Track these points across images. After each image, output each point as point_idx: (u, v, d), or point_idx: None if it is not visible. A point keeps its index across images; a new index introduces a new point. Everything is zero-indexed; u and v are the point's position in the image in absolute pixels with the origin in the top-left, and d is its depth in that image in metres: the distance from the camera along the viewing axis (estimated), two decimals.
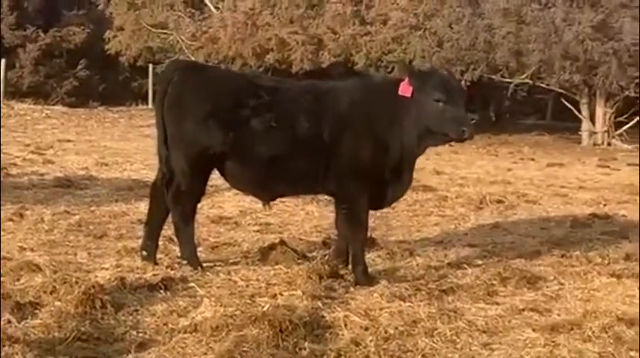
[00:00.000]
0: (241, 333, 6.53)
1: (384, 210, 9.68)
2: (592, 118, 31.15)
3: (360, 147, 8.34)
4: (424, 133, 8.35)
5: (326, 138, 8.36)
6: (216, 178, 15.33)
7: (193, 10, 36.55)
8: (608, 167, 22.21)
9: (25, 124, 28.23)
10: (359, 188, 8.42)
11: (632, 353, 6.57)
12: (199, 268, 8.58)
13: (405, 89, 8.30)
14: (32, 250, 9.23)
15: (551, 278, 8.78)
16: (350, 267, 8.59)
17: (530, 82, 30.94)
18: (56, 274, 7.75)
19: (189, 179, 8.55)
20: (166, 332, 6.74)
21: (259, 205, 12.67)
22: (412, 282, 8.31)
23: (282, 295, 7.69)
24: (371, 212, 8.76)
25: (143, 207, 12.19)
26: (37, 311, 7.02)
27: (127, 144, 22.76)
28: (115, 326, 6.85)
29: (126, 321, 6.99)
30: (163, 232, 10.24)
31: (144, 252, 8.84)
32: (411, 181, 8.74)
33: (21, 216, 11.11)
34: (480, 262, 9.54)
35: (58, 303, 7.13)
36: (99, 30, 37.91)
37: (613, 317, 7.20)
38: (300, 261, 8.91)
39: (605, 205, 14.17)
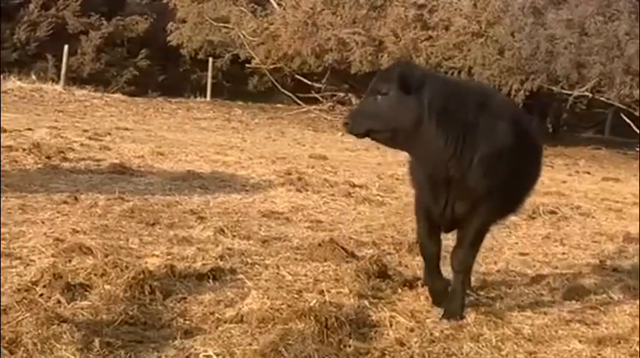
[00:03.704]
0: (287, 326, 6.56)
1: None
2: None
3: None
4: None
5: None
6: (268, 173, 15.50)
7: (256, 6, 36.66)
8: None
9: (84, 110, 28.49)
10: None
11: None
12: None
13: None
14: (85, 233, 9.33)
15: (601, 291, 8.72)
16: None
17: (590, 95, 30.70)
18: (107, 258, 7.82)
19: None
20: (212, 322, 6.79)
21: (311, 202, 12.84)
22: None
23: (329, 292, 7.70)
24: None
25: (196, 197, 12.31)
26: (86, 292, 7.10)
27: (184, 136, 22.90)
28: (163, 313, 6.91)
29: (173, 308, 7.05)
30: (214, 223, 10.37)
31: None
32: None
33: (75, 199, 11.22)
34: (529, 271, 9.50)
35: (107, 287, 7.20)
36: (162, 21, 38.14)
37: None
38: (348, 259, 8.92)
39: None
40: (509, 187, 7.38)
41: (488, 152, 7.14)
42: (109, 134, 20.37)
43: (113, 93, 34.96)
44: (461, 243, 7.51)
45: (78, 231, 9.38)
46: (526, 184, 7.89)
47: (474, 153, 7.12)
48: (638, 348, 6.81)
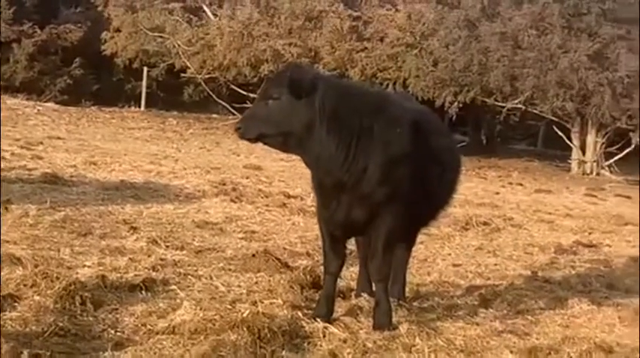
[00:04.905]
0: (219, 338, 6.51)
1: None
2: (582, 147, 31.28)
3: None
4: None
5: None
6: (203, 183, 15.43)
7: (191, 16, 36.53)
8: (596, 196, 22.34)
9: (16, 119, 28.19)
10: None
11: None
12: None
13: None
14: (15, 243, 9.19)
15: (532, 302, 8.78)
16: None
17: (523, 107, 31.05)
18: (37, 268, 7.71)
19: None
20: (144, 333, 6.72)
21: (245, 212, 12.80)
22: (393, 298, 8.28)
23: (262, 303, 7.64)
24: None
25: (129, 208, 12.20)
26: (16, 303, 6.99)
27: (117, 145, 22.74)
28: (94, 324, 6.83)
29: (104, 319, 6.96)
30: (147, 234, 10.29)
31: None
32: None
33: (6, 209, 11.05)
34: (462, 282, 9.55)
35: (37, 297, 7.10)
36: (96, 30, 37.83)
37: (591, 343, 7.18)
38: (282, 270, 8.89)
39: (590, 234, 14.21)
40: (413, 195, 7.27)
41: (384, 158, 7.08)
42: (42, 143, 20.18)
43: (46, 102, 34.64)
44: (373, 252, 7.46)
45: (8, 241, 9.23)
46: (438, 192, 7.83)
47: (369, 158, 7.06)
48: None
